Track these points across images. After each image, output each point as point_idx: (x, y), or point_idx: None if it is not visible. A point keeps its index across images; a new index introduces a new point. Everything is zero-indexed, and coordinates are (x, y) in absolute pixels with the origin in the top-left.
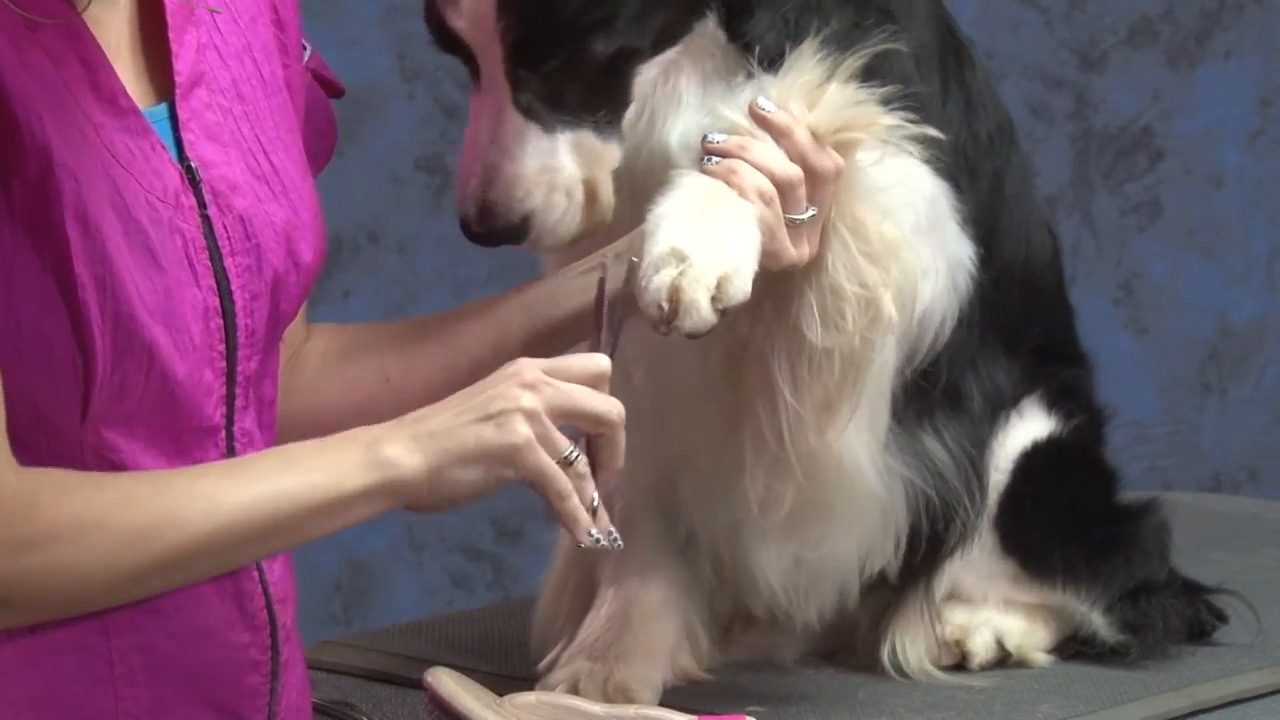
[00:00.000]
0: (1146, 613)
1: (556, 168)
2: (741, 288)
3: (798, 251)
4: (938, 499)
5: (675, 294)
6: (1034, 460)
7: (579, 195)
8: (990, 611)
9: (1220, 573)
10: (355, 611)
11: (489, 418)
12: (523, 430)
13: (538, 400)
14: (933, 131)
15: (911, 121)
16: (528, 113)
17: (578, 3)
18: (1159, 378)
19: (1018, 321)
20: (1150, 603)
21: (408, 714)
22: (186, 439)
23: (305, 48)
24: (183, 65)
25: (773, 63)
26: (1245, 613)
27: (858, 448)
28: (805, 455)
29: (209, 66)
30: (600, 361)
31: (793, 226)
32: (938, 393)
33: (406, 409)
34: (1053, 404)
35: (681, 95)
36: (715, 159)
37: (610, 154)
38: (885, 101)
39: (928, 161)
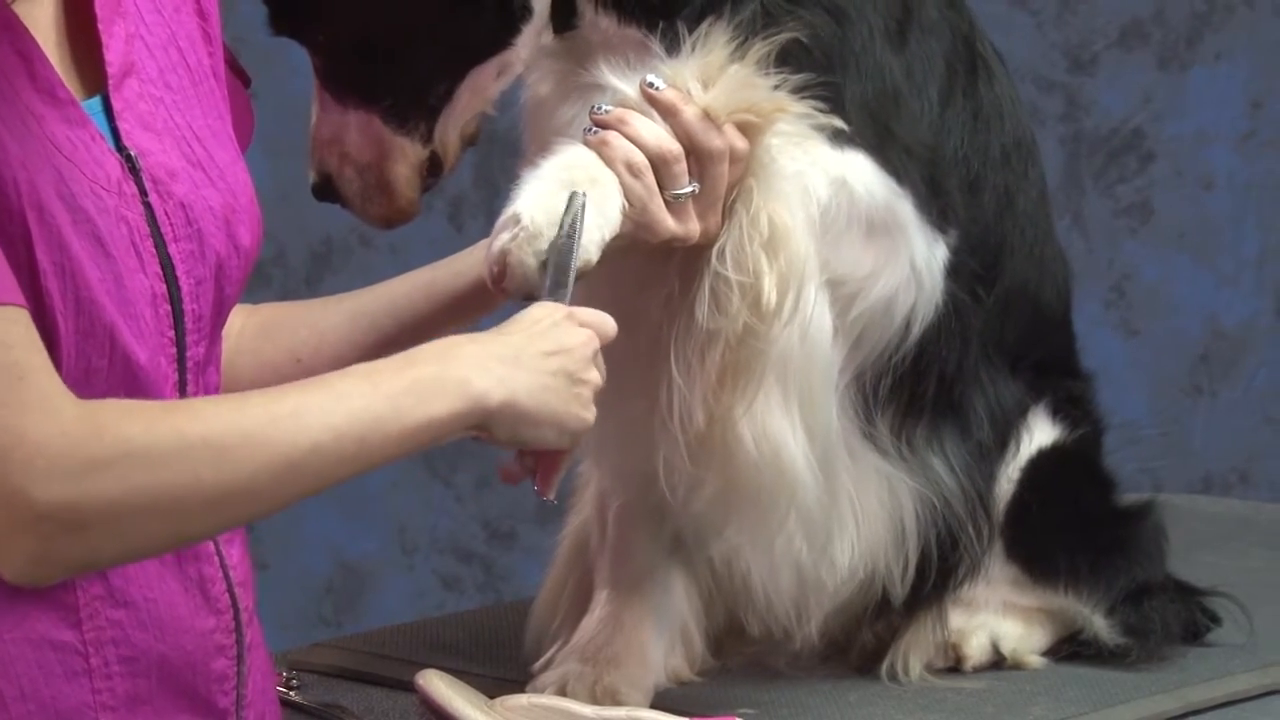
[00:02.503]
0: (1147, 615)
1: (344, 140)
2: (580, 256)
3: (683, 227)
4: (945, 527)
5: (503, 256)
6: (1040, 468)
7: (371, 178)
8: (987, 615)
9: (1211, 574)
10: (346, 614)
11: (577, 384)
12: (593, 410)
13: (598, 377)
14: (839, 123)
15: (822, 111)
16: (322, 81)
17: None
18: (1150, 380)
19: (1024, 345)
20: (1150, 605)
21: (399, 716)
22: None
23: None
24: (113, 56)
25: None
26: (1237, 614)
27: (782, 440)
28: (698, 439)
29: (138, 56)
30: (612, 326)
31: (674, 202)
32: (939, 406)
33: None
34: (1057, 412)
35: (608, 80)
36: (596, 130)
37: (402, 148)
38: (798, 89)
39: (889, 165)
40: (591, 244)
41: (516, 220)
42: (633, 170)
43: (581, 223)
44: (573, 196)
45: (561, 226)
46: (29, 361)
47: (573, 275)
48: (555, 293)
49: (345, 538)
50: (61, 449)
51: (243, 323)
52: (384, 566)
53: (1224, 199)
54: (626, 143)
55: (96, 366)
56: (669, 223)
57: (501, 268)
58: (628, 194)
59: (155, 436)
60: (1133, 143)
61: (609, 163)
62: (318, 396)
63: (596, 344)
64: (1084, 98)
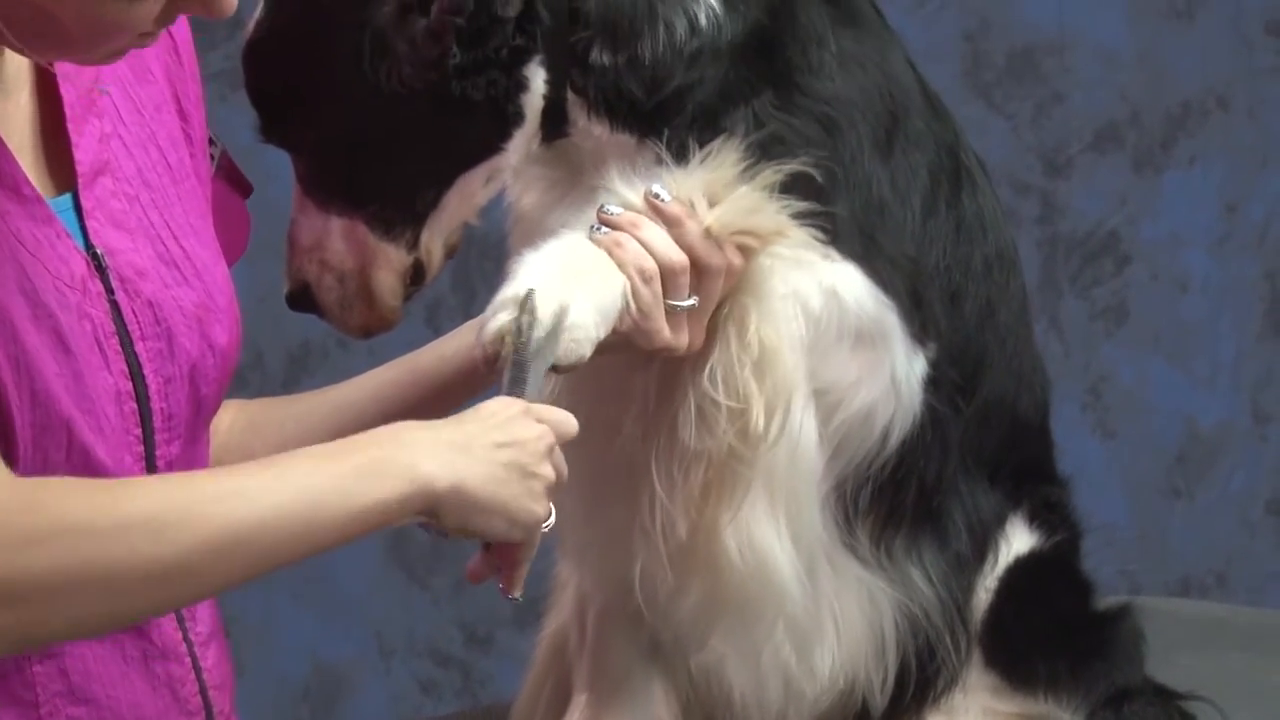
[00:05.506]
0: None
1: (326, 247)
2: (575, 350)
3: (675, 338)
4: (924, 637)
5: (502, 336)
6: (1017, 576)
7: (352, 286)
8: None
9: (1189, 677)
10: (323, 718)
11: (528, 478)
12: (546, 505)
13: (551, 473)
14: (834, 252)
15: (820, 241)
16: (305, 188)
17: (274, 91)
18: (1127, 481)
19: (1002, 454)
20: (1129, 709)
21: None
22: None
23: (215, 144)
24: (84, 155)
25: (686, 157)
26: (1215, 718)
27: (769, 549)
28: (679, 549)
29: (113, 155)
30: (573, 426)
31: (673, 313)
32: (918, 516)
33: None
34: (1035, 519)
35: (614, 185)
36: (605, 229)
37: (386, 254)
38: (799, 217)
39: (876, 276)
40: (587, 340)
41: (519, 302)
42: (644, 276)
43: (535, 319)
44: (528, 294)
45: (519, 323)
46: None
47: (532, 371)
48: (513, 389)
49: (322, 641)
50: None
51: (232, 419)
52: (361, 670)
53: (1199, 302)
54: (639, 247)
55: (54, 460)
56: (666, 332)
57: (498, 349)
58: (637, 299)
59: (93, 511)
60: (1108, 245)
61: (620, 264)
62: (263, 476)
63: (551, 440)
64: (1059, 201)
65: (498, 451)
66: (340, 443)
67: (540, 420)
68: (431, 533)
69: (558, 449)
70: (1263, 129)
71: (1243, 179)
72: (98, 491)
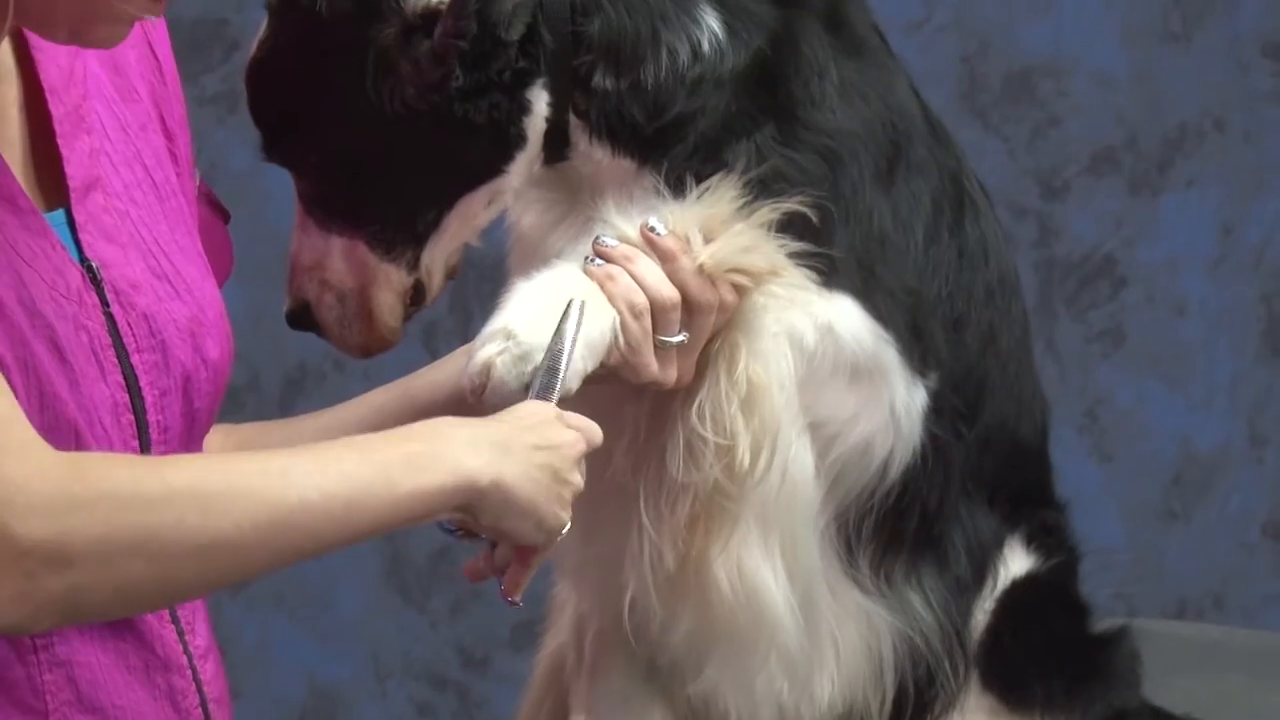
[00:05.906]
0: None
1: (326, 266)
2: (564, 380)
3: (663, 373)
4: (922, 662)
5: (488, 369)
6: (1014, 598)
7: (352, 305)
8: None
9: (1186, 700)
10: None
11: (560, 483)
12: (569, 513)
13: (580, 481)
14: (833, 289)
15: (815, 283)
16: (307, 207)
17: (276, 110)
18: (1123, 504)
19: (1002, 478)
20: None
21: None
22: None
23: (195, 175)
24: (75, 170)
25: (684, 190)
26: None
27: (760, 581)
28: (667, 580)
29: (103, 171)
30: (599, 434)
31: (662, 348)
32: (918, 542)
33: None
34: (1032, 541)
35: (609, 217)
36: (599, 261)
37: (386, 274)
38: (796, 255)
39: (874, 310)
40: (575, 375)
41: (508, 335)
42: (634, 311)
43: (578, 330)
44: (569, 304)
45: (558, 332)
46: (2, 411)
47: (561, 382)
48: (544, 395)
49: (318, 663)
50: (41, 487)
51: (220, 442)
52: (357, 693)
53: (1196, 324)
54: (631, 282)
55: None
56: (654, 367)
57: (484, 381)
58: (626, 334)
59: (139, 480)
60: (1105, 268)
61: (611, 298)
62: (307, 458)
63: (583, 447)
64: (1056, 224)
65: (535, 454)
66: (384, 434)
67: (571, 427)
68: (456, 535)
69: (583, 459)
70: (1259, 151)
71: (1239, 202)
72: (141, 464)
